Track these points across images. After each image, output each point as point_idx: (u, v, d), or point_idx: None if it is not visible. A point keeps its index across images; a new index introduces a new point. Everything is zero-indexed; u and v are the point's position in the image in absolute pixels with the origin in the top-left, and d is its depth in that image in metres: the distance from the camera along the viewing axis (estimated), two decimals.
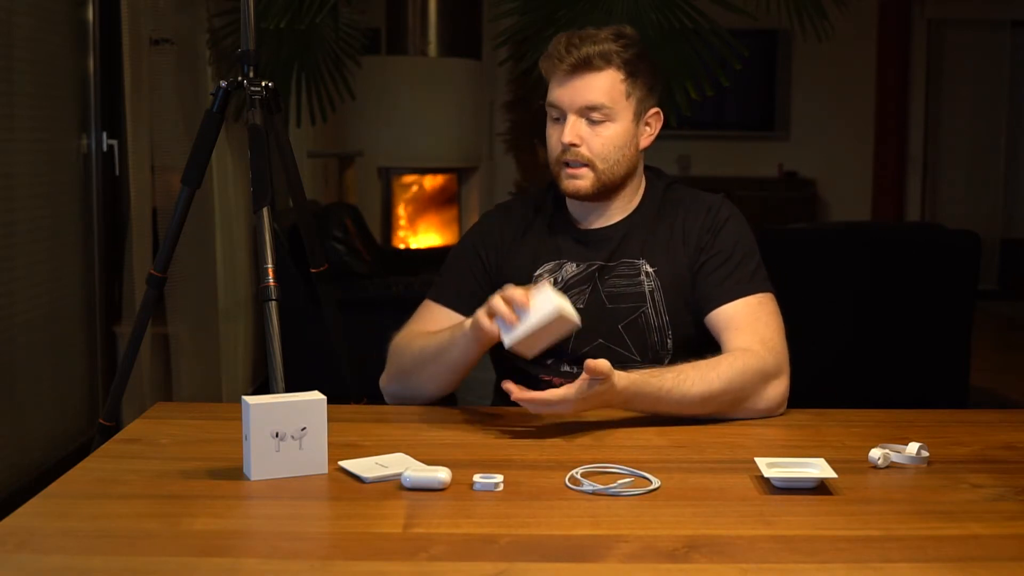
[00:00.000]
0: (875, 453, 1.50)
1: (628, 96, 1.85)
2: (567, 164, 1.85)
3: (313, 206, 4.82)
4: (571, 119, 1.83)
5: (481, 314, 1.67)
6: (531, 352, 1.68)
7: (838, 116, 8.03)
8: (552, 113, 1.87)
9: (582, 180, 1.85)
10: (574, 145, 1.83)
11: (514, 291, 1.63)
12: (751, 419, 1.74)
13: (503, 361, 1.98)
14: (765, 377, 1.74)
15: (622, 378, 1.63)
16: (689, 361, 1.75)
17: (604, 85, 1.83)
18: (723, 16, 3.19)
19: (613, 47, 1.83)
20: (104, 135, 3.60)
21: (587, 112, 1.83)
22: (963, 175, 8.18)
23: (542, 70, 1.88)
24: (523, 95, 7.21)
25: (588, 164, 1.84)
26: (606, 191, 1.88)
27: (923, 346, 4.18)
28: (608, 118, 1.84)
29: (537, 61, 3.15)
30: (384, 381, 1.91)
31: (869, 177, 8.02)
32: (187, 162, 2.35)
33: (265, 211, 2.21)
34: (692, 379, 1.69)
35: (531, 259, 1.92)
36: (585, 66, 1.82)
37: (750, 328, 1.79)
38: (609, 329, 1.86)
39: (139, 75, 3.46)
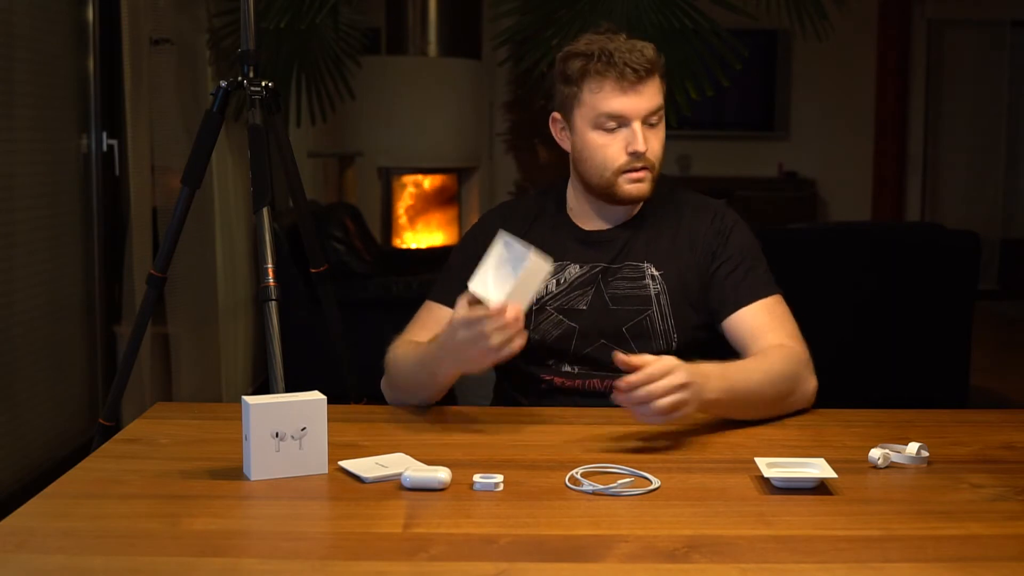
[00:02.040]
0: (875, 453, 1.50)
1: (664, 95, 1.88)
2: (628, 170, 1.84)
3: (313, 206, 4.82)
4: (638, 126, 1.82)
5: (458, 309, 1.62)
6: (523, 303, 1.59)
7: (838, 116, 8.02)
8: (607, 124, 1.83)
9: (645, 183, 1.86)
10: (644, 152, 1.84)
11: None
12: (787, 416, 1.75)
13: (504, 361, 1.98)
14: (803, 367, 1.77)
15: (685, 366, 1.58)
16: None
17: (659, 87, 1.85)
18: (723, 16, 3.19)
19: (654, 48, 1.84)
20: (104, 135, 3.60)
21: (648, 117, 1.84)
22: (963, 175, 8.17)
23: (586, 74, 1.83)
24: (523, 95, 7.21)
25: (649, 167, 1.85)
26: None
27: (923, 346, 4.18)
28: (661, 120, 1.86)
29: (537, 61, 3.13)
30: (383, 387, 1.92)
31: (869, 177, 8.01)
32: (187, 162, 2.35)
33: (265, 211, 2.21)
34: (751, 366, 1.71)
35: None
36: (648, 73, 1.82)
37: (778, 326, 1.81)
38: (613, 331, 1.86)
39: (139, 75, 3.46)
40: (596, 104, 1.82)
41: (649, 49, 1.83)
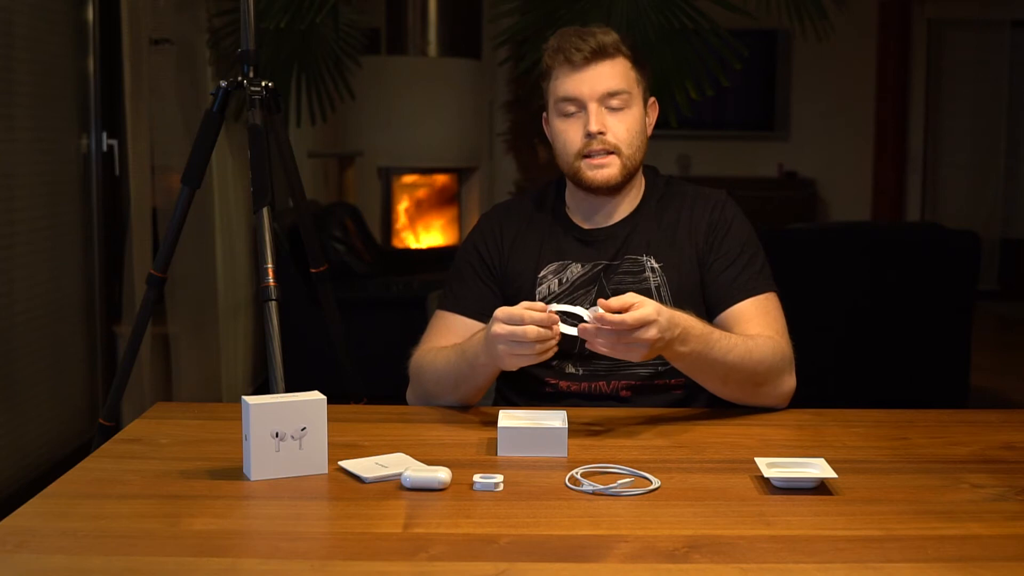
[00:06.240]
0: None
1: (638, 83, 1.88)
2: (589, 155, 1.85)
3: (313, 206, 4.82)
4: (594, 107, 1.83)
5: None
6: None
7: (838, 116, 8.02)
8: (566, 108, 1.86)
9: (610, 168, 1.85)
10: (600, 133, 1.83)
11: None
12: (760, 407, 1.78)
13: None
14: (786, 364, 1.78)
15: (666, 310, 1.62)
16: None
17: (620, 71, 1.85)
18: (723, 16, 3.18)
19: (617, 37, 1.86)
20: (104, 135, 3.61)
21: (607, 99, 1.84)
22: (963, 175, 8.16)
23: (548, 67, 1.88)
24: (523, 95, 7.21)
25: (615, 151, 1.85)
26: (628, 179, 1.89)
27: (923, 346, 4.18)
28: (626, 104, 1.85)
29: (537, 61, 3.14)
30: (410, 398, 1.92)
31: (869, 177, 8.01)
32: (187, 162, 2.35)
33: (265, 211, 2.21)
34: (735, 340, 1.72)
35: (534, 260, 1.92)
36: (601, 54, 1.83)
37: (764, 321, 1.82)
38: None
39: (139, 75, 3.46)
40: (555, 91, 1.87)
41: (604, 34, 1.85)
